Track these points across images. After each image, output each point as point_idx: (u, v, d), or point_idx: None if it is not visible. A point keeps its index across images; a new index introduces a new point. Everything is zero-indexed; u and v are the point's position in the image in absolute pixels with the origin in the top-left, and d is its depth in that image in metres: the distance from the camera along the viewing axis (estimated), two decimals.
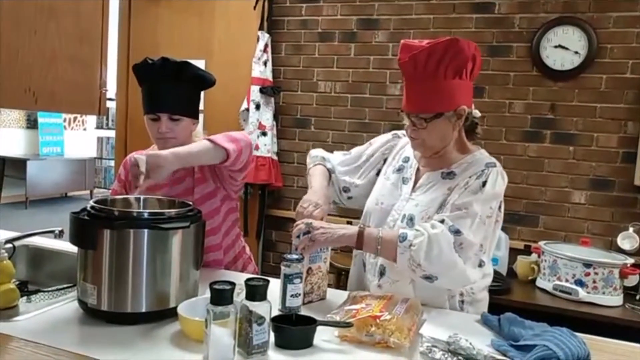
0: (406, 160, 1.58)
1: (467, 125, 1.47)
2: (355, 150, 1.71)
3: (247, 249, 1.89)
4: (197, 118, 1.67)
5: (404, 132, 1.62)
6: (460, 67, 1.37)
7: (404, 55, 1.40)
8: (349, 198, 1.68)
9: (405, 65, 1.40)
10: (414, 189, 1.49)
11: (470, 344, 1.11)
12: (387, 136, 1.69)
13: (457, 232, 1.31)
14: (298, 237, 1.38)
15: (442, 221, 1.33)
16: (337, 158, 1.72)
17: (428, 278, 1.32)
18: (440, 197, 1.42)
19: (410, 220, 1.42)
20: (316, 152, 1.77)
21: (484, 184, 1.37)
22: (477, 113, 1.48)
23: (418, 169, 1.53)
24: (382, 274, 1.47)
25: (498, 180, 1.39)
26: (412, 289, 1.42)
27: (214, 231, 1.68)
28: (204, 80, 1.64)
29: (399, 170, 1.56)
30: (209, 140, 1.47)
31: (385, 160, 1.64)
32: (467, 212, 1.33)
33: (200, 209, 1.37)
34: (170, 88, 1.57)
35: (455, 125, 1.42)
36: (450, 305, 1.43)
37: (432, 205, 1.42)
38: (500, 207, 1.41)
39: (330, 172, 1.69)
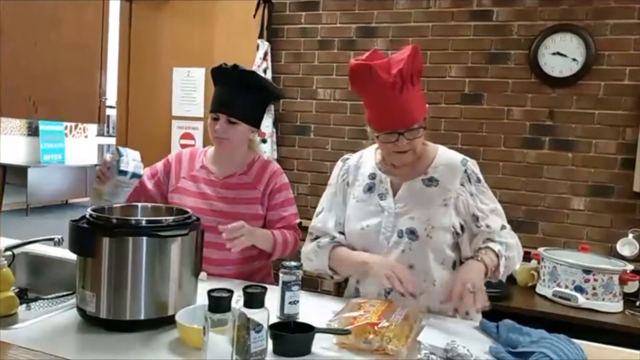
0: (372, 176, 1.56)
1: None
2: (328, 202, 1.63)
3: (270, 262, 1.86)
4: (257, 127, 1.74)
5: (349, 155, 1.66)
6: (420, 72, 1.44)
7: (386, 75, 1.36)
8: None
9: (394, 85, 1.37)
10: (395, 201, 1.50)
11: (468, 351, 1.11)
12: (338, 165, 1.67)
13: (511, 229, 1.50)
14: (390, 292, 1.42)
15: (504, 227, 1.48)
16: (332, 227, 1.59)
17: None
18: (439, 209, 1.46)
19: (413, 234, 1.44)
20: (316, 248, 1.59)
21: (478, 180, 1.51)
22: None
23: (391, 182, 1.53)
24: (388, 292, 1.46)
25: (477, 167, 1.54)
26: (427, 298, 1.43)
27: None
28: (268, 91, 1.70)
29: (370, 188, 1.54)
30: (274, 237, 1.68)
31: (348, 184, 1.60)
32: (500, 208, 1.52)
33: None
34: (236, 93, 1.64)
35: (425, 127, 1.48)
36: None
37: (433, 218, 1.45)
38: None
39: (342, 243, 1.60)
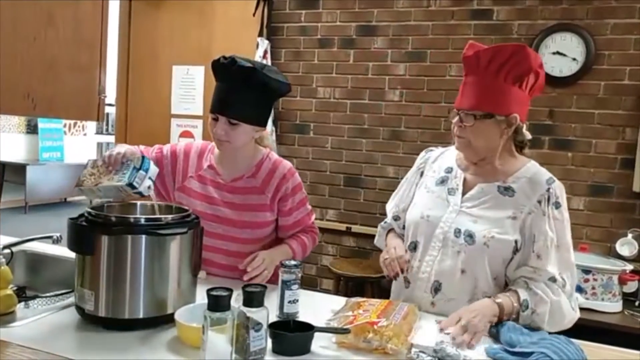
0: (449, 170, 1.52)
1: (516, 140, 1.46)
2: (399, 187, 1.68)
3: None
4: (261, 125, 1.60)
5: (432, 148, 1.65)
6: (522, 75, 1.36)
7: (469, 51, 1.42)
8: (401, 223, 1.63)
9: (468, 60, 1.41)
10: (463, 199, 1.45)
11: (457, 350, 1.11)
12: (420, 154, 1.67)
13: (572, 286, 1.37)
14: None
15: (554, 279, 1.33)
16: (389, 210, 1.68)
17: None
18: (506, 220, 1.38)
19: (470, 237, 1.38)
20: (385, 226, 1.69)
21: (558, 205, 1.38)
22: (528, 135, 1.47)
23: (465, 179, 1.48)
24: (436, 290, 1.42)
25: (563, 194, 1.41)
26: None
27: (257, 241, 1.65)
28: (272, 89, 1.54)
29: (443, 181, 1.51)
30: (292, 251, 1.65)
31: (422, 174, 1.60)
32: (567, 255, 1.37)
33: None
34: (236, 92, 1.51)
35: (503, 132, 1.39)
36: None
37: (496, 226, 1.38)
38: None
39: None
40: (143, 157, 1.43)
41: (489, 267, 1.38)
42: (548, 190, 1.38)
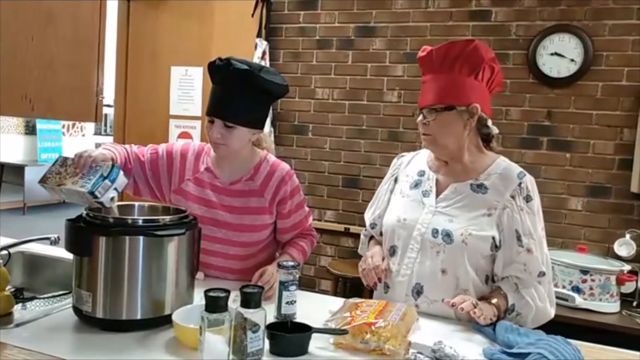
0: (421, 173, 1.54)
1: (482, 134, 1.48)
2: (375, 195, 1.68)
3: None
4: (258, 128, 1.58)
5: (405, 153, 1.67)
6: (476, 66, 1.40)
7: (423, 52, 1.46)
8: (378, 230, 1.64)
9: (423, 60, 1.46)
10: (437, 200, 1.46)
11: (455, 350, 1.11)
12: (393, 161, 1.69)
13: (548, 275, 1.42)
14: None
15: (542, 274, 1.39)
16: (367, 218, 1.68)
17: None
18: (482, 218, 1.39)
19: (448, 236, 1.39)
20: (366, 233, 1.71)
21: (529, 198, 1.41)
22: (495, 129, 1.49)
23: (437, 180, 1.50)
24: (419, 293, 1.43)
25: (535, 187, 1.44)
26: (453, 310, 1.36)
27: (256, 244, 1.65)
28: (269, 91, 1.52)
29: (416, 185, 1.52)
30: (293, 258, 1.62)
31: (396, 180, 1.62)
32: (541, 244, 1.40)
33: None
34: (232, 94, 1.49)
35: (467, 123, 1.41)
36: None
37: (472, 224, 1.39)
38: None
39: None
40: (113, 165, 1.36)
41: (469, 265, 1.39)
42: (520, 185, 1.41)
